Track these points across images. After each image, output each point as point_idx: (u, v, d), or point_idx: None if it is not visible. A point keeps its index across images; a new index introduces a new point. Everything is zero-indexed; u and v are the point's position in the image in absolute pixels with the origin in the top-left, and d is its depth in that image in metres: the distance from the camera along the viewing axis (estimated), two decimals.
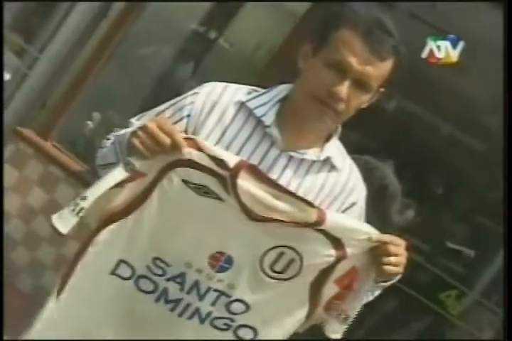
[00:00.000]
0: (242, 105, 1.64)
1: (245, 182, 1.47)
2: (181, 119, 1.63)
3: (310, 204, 1.51)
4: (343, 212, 1.70)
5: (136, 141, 1.46)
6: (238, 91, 1.67)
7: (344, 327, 1.61)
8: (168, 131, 1.44)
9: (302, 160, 1.65)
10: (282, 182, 1.60)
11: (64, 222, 1.47)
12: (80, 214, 1.47)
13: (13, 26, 4.91)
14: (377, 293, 1.69)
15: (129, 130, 1.55)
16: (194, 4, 4.00)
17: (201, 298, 1.55)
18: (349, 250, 1.53)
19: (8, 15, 5.01)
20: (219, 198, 1.49)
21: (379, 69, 1.54)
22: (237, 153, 1.60)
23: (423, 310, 3.48)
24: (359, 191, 1.73)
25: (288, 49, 3.20)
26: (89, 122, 3.61)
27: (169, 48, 4.22)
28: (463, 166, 3.91)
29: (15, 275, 3.29)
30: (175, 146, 1.44)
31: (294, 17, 3.37)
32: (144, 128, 1.46)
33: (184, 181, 1.48)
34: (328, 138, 1.68)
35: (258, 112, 1.63)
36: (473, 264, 3.74)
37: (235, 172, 1.46)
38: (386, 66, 1.55)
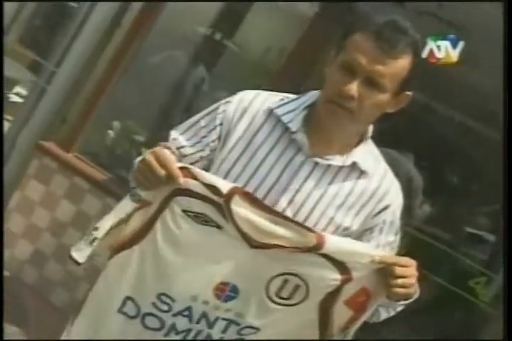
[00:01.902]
0: (271, 112, 1.63)
1: (241, 209, 1.44)
2: (215, 128, 1.64)
3: (308, 228, 1.47)
4: (374, 216, 1.63)
5: (137, 174, 1.49)
6: (269, 98, 1.66)
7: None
8: (163, 163, 1.45)
9: (328, 166, 1.61)
10: (306, 191, 1.58)
11: (80, 252, 1.49)
12: (94, 244, 1.48)
13: (23, 41, 4.87)
14: (399, 308, 1.63)
15: (138, 159, 1.56)
16: (202, 9, 3.95)
17: (211, 326, 1.52)
18: (355, 273, 1.47)
19: (18, 30, 4.96)
20: (218, 226, 1.46)
21: (391, 68, 1.50)
22: (263, 159, 1.60)
23: (453, 299, 3.44)
24: (393, 197, 1.67)
25: (300, 52, 3.16)
26: (110, 131, 3.56)
27: (180, 54, 4.17)
28: (477, 155, 3.86)
29: (49, 289, 3.23)
30: (171, 177, 1.45)
31: (302, 19, 3.33)
32: (143, 161, 1.47)
33: (184, 211, 1.47)
34: (357, 143, 1.64)
35: (285, 119, 1.61)
36: (495, 250, 3.70)
37: (228, 198, 1.44)
38: (400, 64, 1.51)
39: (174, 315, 1.51)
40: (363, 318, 1.52)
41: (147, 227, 1.49)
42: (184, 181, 1.46)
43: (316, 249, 1.45)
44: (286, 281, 1.49)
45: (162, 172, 1.44)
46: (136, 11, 3.38)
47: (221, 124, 1.63)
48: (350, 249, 1.47)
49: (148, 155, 1.47)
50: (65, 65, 3.42)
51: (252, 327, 1.53)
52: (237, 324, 1.52)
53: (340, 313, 1.51)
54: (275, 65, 3.62)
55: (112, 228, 1.49)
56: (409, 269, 1.47)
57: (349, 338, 1.55)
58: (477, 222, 3.88)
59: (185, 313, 1.51)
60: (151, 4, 3.39)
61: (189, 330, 1.53)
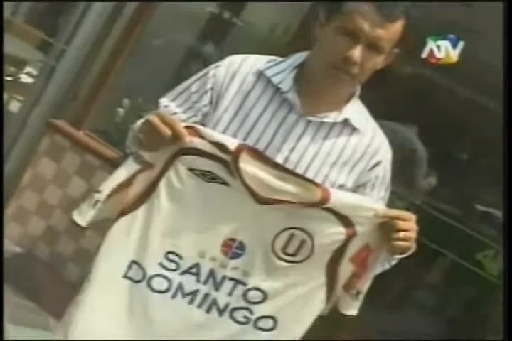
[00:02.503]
0: (260, 73, 1.66)
1: (248, 165, 1.46)
2: (206, 92, 1.66)
3: (314, 183, 1.49)
4: (367, 173, 1.68)
5: (141, 135, 1.50)
6: (258, 61, 1.70)
7: (358, 303, 1.57)
8: (169, 123, 1.46)
9: (321, 123, 1.65)
10: (301, 147, 1.62)
11: (82, 215, 1.51)
12: (96, 207, 1.49)
13: (31, 21, 4.87)
14: (393, 262, 1.66)
15: (138, 123, 1.58)
16: None
17: (217, 287, 1.52)
18: (358, 227, 1.50)
19: (25, 10, 4.96)
20: (225, 183, 1.47)
21: (389, 31, 1.55)
22: (257, 120, 1.63)
23: (461, 272, 3.45)
24: (384, 152, 1.72)
25: (304, 29, 3.12)
26: (120, 109, 3.56)
27: (189, 32, 4.17)
28: (484, 130, 3.85)
29: (62, 266, 3.26)
30: (177, 136, 1.46)
31: None
32: (146, 122, 1.48)
33: (190, 169, 1.48)
34: (347, 101, 1.68)
35: (276, 80, 1.65)
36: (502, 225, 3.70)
37: (235, 155, 1.45)
38: (396, 27, 1.56)
39: (182, 273, 1.52)
40: (368, 276, 1.54)
41: (150, 189, 1.49)
42: (190, 140, 1.46)
43: (321, 203, 1.47)
44: (292, 236, 1.50)
45: (168, 131, 1.45)
46: None
47: (212, 88, 1.66)
48: (355, 203, 1.50)
49: (151, 116, 1.48)
50: (74, 43, 3.41)
51: (258, 290, 1.53)
52: (244, 284, 1.53)
53: (345, 271, 1.53)
54: (281, 41, 3.61)
55: (114, 190, 1.49)
56: (409, 223, 1.51)
57: (360, 301, 1.56)
58: (486, 198, 3.87)
59: (193, 270, 1.52)
60: None
61: (196, 292, 1.53)
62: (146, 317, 1.54)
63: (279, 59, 1.71)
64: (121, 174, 1.49)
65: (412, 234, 1.51)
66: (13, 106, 4.30)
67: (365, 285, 1.55)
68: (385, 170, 1.72)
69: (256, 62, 1.69)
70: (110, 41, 3.41)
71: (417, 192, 3.49)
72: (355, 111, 1.69)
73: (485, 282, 3.33)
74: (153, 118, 1.47)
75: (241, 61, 1.69)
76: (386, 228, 1.49)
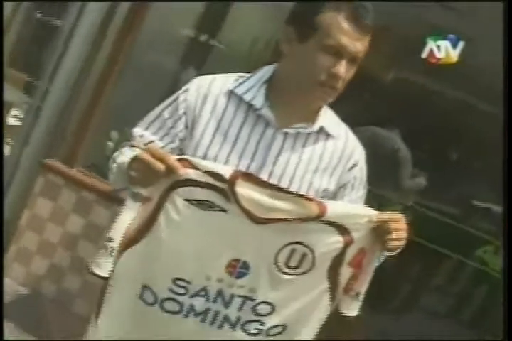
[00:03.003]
0: (231, 92, 1.68)
1: (244, 190, 1.48)
2: (180, 118, 1.67)
3: (308, 198, 1.53)
4: (346, 174, 1.74)
5: (133, 173, 1.49)
6: (226, 80, 1.71)
7: (358, 304, 1.62)
8: (161, 157, 1.46)
9: (298, 134, 1.69)
10: (283, 160, 1.66)
11: (102, 266, 1.52)
12: (113, 255, 1.50)
13: (14, 65, 4.90)
14: (382, 259, 1.70)
15: (126, 159, 1.56)
16: (185, 10, 3.97)
17: (227, 305, 1.56)
18: (354, 234, 1.54)
19: (7, 54, 4.99)
20: (223, 209, 1.49)
21: (365, 43, 1.62)
22: (236, 139, 1.65)
23: (464, 271, 3.46)
24: (358, 153, 1.78)
25: None
26: (109, 142, 3.59)
27: (169, 58, 4.19)
28: (474, 130, 3.86)
29: (70, 301, 3.28)
30: (171, 170, 1.46)
31: (285, 9, 3.34)
32: (137, 159, 1.48)
33: (187, 200, 1.49)
34: (319, 109, 1.71)
35: (247, 97, 1.67)
36: (500, 219, 3.70)
37: (231, 182, 1.47)
38: (368, 38, 1.62)
39: (191, 297, 1.55)
40: (365, 277, 1.60)
41: (150, 221, 1.51)
42: (184, 172, 1.48)
43: (318, 217, 1.51)
44: (293, 251, 1.54)
45: (161, 166, 1.45)
46: (119, 21, 3.41)
47: (185, 113, 1.67)
48: (349, 212, 1.55)
49: (141, 153, 1.49)
50: (56, 82, 3.44)
51: (266, 303, 1.57)
52: (252, 299, 1.56)
53: (345, 275, 1.58)
54: (263, 55, 3.64)
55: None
56: (400, 224, 1.57)
57: (360, 301, 1.62)
58: (481, 195, 3.89)
59: (202, 293, 1.55)
60: (136, 11, 3.41)
61: (207, 310, 1.56)
62: (161, 336, 1.58)
63: (246, 75, 1.73)
64: (126, 217, 1.50)
65: (404, 234, 1.57)
66: (4, 149, 4.33)
67: (363, 285, 1.60)
68: (361, 171, 1.78)
69: (224, 81, 1.71)
70: (92, 76, 3.44)
71: (405, 193, 3.53)
72: (328, 118, 1.74)
73: (488, 277, 3.35)
74: (144, 154, 1.47)
75: (209, 83, 1.70)
76: (379, 231, 1.54)
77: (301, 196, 1.53)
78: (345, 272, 1.58)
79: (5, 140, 4.26)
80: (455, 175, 3.75)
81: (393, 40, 3.31)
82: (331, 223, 1.52)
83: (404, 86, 3.66)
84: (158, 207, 1.50)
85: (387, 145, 3.54)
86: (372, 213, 1.55)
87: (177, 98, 1.70)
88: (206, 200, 1.49)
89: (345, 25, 1.56)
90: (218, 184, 1.48)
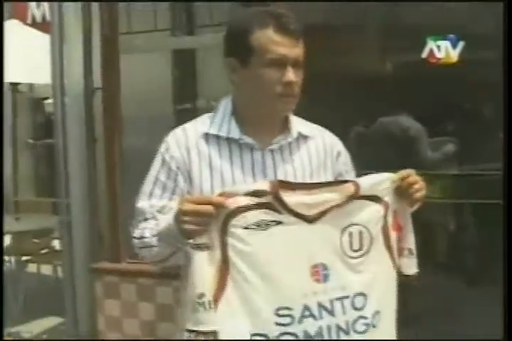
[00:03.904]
0: (207, 135, 1.76)
1: (287, 196, 1.55)
2: (177, 174, 1.74)
3: (342, 182, 1.64)
4: (337, 163, 1.86)
5: (186, 226, 1.50)
6: (195, 126, 1.79)
7: (415, 260, 1.70)
8: (204, 200, 1.50)
9: (281, 147, 1.78)
10: (281, 173, 1.74)
11: (205, 322, 1.49)
12: (212, 307, 1.49)
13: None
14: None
15: (163, 224, 1.60)
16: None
17: (331, 313, 1.58)
18: (386, 198, 1.64)
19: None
20: (279, 222, 1.54)
21: (300, 47, 1.71)
22: (232, 172, 1.73)
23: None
24: (337, 142, 1.91)
25: None
26: None
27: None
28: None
29: None
30: (218, 205, 1.49)
31: None
32: (182, 212, 1.50)
33: (245, 228, 1.52)
34: (287, 118, 1.82)
35: (223, 133, 1.76)
36: None
37: (275, 192, 1.54)
38: (301, 43, 1.71)
39: (300, 322, 1.55)
40: (409, 234, 1.69)
41: (225, 264, 1.51)
42: (229, 202, 1.50)
43: (356, 193, 1.60)
44: (351, 234, 1.61)
45: (209, 207, 1.47)
46: None
47: (178, 168, 1.74)
48: (375, 181, 1.64)
49: (183, 206, 1.50)
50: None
51: (359, 294, 1.62)
52: (347, 297, 1.60)
53: (394, 239, 1.67)
54: None
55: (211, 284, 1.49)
56: (414, 176, 1.67)
57: (415, 257, 1.71)
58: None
59: (307, 313, 1.56)
60: None
61: (320, 330, 1.57)
62: None
63: (210, 114, 1.81)
64: (203, 269, 1.49)
65: (422, 184, 1.67)
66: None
67: (410, 241, 1.69)
68: (346, 156, 1.90)
69: (194, 128, 1.78)
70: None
71: (433, 164, 3.57)
72: (299, 122, 1.84)
73: None
74: (186, 205, 1.49)
75: (183, 134, 1.77)
76: (402, 189, 1.65)
77: (333, 182, 1.65)
78: (393, 237, 1.66)
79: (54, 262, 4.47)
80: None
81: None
82: (367, 197, 1.61)
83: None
84: (224, 248, 1.51)
85: (395, 128, 3.65)
86: (390, 175, 1.65)
87: (163, 158, 1.75)
88: (261, 220, 1.53)
89: (276, 37, 1.66)
90: (263, 200, 1.53)
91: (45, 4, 6.45)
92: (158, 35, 3.63)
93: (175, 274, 3.22)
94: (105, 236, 3.62)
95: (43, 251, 5.09)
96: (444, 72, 3.17)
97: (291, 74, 1.68)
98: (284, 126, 1.80)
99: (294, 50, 1.69)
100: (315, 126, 1.89)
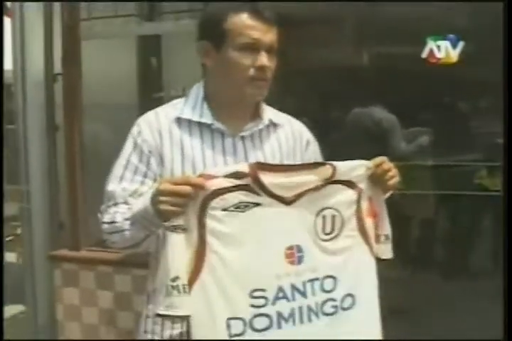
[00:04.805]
0: (179, 119, 1.76)
1: (266, 177, 1.55)
2: (149, 157, 1.75)
3: (318, 164, 1.65)
4: (306, 151, 1.88)
5: (163, 207, 1.48)
6: (167, 110, 1.80)
7: (390, 245, 1.73)
8: (183, 181, 1.49)
9: (252, 134, 1.79)
10: (251, 160, 1.74)
11: (179, 306, 1.47)
12: (187, 290, 1.47)
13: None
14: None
15: (137, 207, 1.60)
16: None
17: (304, 295, 1.60)
18: (361, 185, 1.66)
19: None
20: (257, 204, 1.54)
21: (274, 34, 1.75)
22: (203, 157, 1.73)
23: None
24: (306, 132, 1.93)
25: None
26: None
27: None
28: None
29: None
30: (198, 187, 1.47)
31: None
32: (160, 192, 1.49)
33: (224, 209, 1.52)
34: (258, 105, 1.83)
35: (195, 118, 1.76)
36: None
37: (254, 174, 1.53)
38: (275, 29, 1.75)
39: (273, 304, 1.56)
40: (383, 221, 1.72)
41: (202, 245, 1.50)
42: (210, 184, 1.50)
43: (332, 176, 1.61)
44: (324, 217, 1.63)
45: (188, 188, 1.47)
46: None
47: (150, 152, 1.74)
48: (351, 166, 1.66)
49: (161, 185, 1.50)
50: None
51: (328, 277, 1.64)
52: (317, 279, 1.62)
53: (369, 226, 1.70)
54: None
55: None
56: (388, 163, 1.70)
57: (391, 242, 1.74)
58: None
59: (281, 295, 1.57)
60: None
61: (293, 311, 1.59)
62: None
63: (181, 99, 1.82)
64: (178, 252, 1.47)
65: (395, 172, 1.69)
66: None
67: (386, 228, 1.72)
68: (314, 145, 1.93)
69: (166, 111, 1.80)
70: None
71: (407, 155, 3.57)
72: (269, 110, 1.86)
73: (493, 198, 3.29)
74: (164, 185, 1.49)
75: (155, 118, 1.78)
76: (376, 176, 1.68)
77: (311, 164, 1.65)
78: (369, 224, 1.68)
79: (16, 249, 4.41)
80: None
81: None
82: (341, 181, 1.64)
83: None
84: (202, 230, 1.51)
85: (367, 120, 3.64)
86: (365, 162, 1.67)
87: (135, 141, 1.76)
88: (240, 202, 1.53)
89: (250, 22, 1.69)
90: (242, 182, 1.53)
91: None
92: (120, 21, 3.58)
93: (134, 262, 3.26)
94: (65, 224, 3.57)
95: (8, 239, 5.01)
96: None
97: (264, 58, 1.69)
98: (256, 113, 1.82)
99: (268, 35, 1.70)
100: (284, 115, 1.91)
